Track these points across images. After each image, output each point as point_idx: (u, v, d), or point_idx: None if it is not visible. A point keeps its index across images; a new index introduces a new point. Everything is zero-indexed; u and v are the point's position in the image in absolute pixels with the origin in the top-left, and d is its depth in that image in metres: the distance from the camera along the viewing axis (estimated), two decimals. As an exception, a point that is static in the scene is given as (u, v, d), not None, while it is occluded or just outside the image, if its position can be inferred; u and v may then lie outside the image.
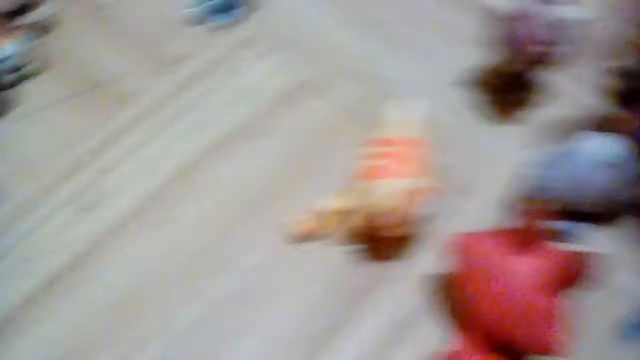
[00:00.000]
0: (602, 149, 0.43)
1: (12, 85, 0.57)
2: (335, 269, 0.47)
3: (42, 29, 0.59)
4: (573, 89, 0.55)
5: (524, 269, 0.38)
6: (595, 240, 0.46)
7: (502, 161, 0.51)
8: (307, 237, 0.47)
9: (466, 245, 0.41)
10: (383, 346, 0.44)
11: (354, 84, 0.56)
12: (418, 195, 0.42)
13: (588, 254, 0.36)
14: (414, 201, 0.42)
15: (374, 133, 0.45)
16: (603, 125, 0.44)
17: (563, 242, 0.45)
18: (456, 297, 0.42)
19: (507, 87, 0.52)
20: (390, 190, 0.41)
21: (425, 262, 0.46)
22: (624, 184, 0.44)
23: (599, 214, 0.46)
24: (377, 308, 0.45)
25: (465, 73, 0.56)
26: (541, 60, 0.47)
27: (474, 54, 0.54)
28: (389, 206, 0.41)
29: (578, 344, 0.44)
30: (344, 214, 0.46)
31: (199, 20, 0.60)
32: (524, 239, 0.38)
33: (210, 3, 0.59)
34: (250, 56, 0.58)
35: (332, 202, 0.46)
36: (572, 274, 0.38)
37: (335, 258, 0.47)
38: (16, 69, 0.56)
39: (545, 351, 0.40)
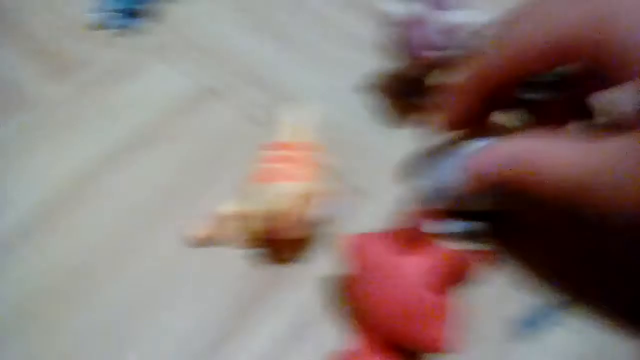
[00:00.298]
0: None
1: None
2: (234, 273, 0.47)
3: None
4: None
5: (414, 268, 0.39)
6: (484, 239, 0.47)
7: (396, 164, 0.52)
8: (206, 241, 0.47)
9: (359, 246, 0.41)
10: (282, 348, 0.44)
11: (257, 89, 0.56)
12: (314, 198, 0.42)
13: (477, 252, 0.37)
14: (310, 204, 0.42)
15: (273, 137, 0.45)
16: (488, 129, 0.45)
17: (452, 241, 0.46)
18: (353, 298, 0.42)
19: (405, 92, 0.53)
20: (284, 193, 0.41)
21: (323, 263, 0.47)
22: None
23: (487, 214, 0.47)
24: (276, 310, 0.46)
25: (364, 78, 0.57)
26: (437, 64, 0.48)
27: (374, 59, 0.55)
28: (283, 209, 0.41)
29: (471, 342, 0.45)
30: (242, 218, 0.46)
31: (102, 26, 0.59)
32: (413, 238, 0.39)
33: (113, 8, 0.58)
34: (152, 62, 0.58)
35: (231, 206, 0.46)
36: (461, 272, 0.38)
37: (235, 262, 0.47)
38: None
39: (436, 349, 0.40)
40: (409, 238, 0.39)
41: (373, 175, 0.51)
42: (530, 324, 0.46)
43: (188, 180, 0.51)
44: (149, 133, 0.53)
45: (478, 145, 0.44)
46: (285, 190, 0.41)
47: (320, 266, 0.46)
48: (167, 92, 0.56)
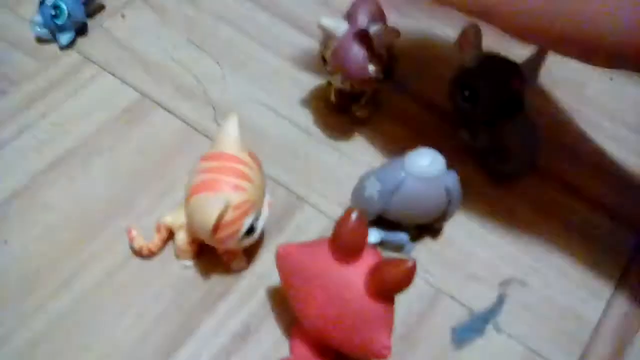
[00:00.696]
0: (424, 163, 0.45)
1: None
2: (178, 285, 0.47)
3: None
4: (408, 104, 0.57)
5: (351, 276, 0.40)
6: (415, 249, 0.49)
7: (337, 175, 0.53)
8: (149, 253, 0.47)
9: (292, 256, 0.42)
10: (226, 357, 0.44)
11: (199, 101, 0.56)
12: (246, 209, 0.42)
13: (411, 262, 0.38)
14: (242, 214, 0.42)
15: (212, 148, 0.45)
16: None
17: (389, 250, 0.47)
18: (293, 307, 0.42)
19: (344, 105, 0.54)
20: (215, 204, 0.41)
21: (269, 273, 0.47)
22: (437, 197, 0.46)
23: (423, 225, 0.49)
24: (221, 321, 0.46)
25: (306, 91, 0.57)
26: (375, 78, 0.49)
27: (314, 73, 0.56)
28: (212, 220, 0.41)
29: (412, 349, 0.46)
30: (179, 229, 0.46)
31: (48, 39, 0.59)
32: (349, 247, 0.39)
33: (59, 22, 0.58)
34: (90, 75, 0.58)
35: (169, 217, 0.46)
36: (400, 280, 0.39)
37: (179, 273, 0.47)
38: None
39: (381, 356, 0.41)
40: (345, 247, 0.39)
41: (312, 184, 0.52)
42: (469, 331, 0.47)
43: (128, 192, 0.51)
44: (93, 144, 0.53)
45: (421, 157, 0.45)
46: (214, 202, 0.41)
47: (266, 276, 0.47)
48: (111, 103, 0.56)
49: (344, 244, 0.39)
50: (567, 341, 0.47)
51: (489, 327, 0.47)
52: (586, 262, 0.50)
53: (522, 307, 0.48)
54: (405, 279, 0.38)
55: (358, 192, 0.47)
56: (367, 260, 0.40)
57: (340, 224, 0.39)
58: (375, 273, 0.39)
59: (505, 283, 0.49)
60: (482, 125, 0.52)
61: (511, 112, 0.50)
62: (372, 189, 0.46)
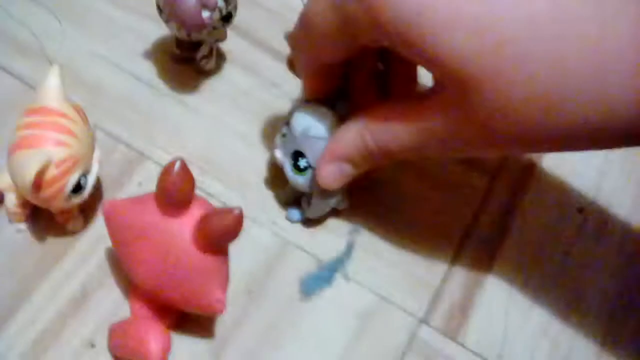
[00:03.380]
0: (304, 121, 0.44)
1: None
2: (5, 250, 0.45)
3: None
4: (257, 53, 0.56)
5: (178, 229, 0.38)
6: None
7: (181, 129, 0.51)
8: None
9: (118, 211, 0.40)
10: (64, 322, 0.43)
11: (31, 58, 0.53)
12: (70, 165, 0.40)
13: (237, 210, 0.36)
14: (66, 171, 0.40)
15: (36, 102, 0.43)
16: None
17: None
18: (124, 265, 0.41)
19: (188, 56, 0.52)
20: (33, 161, 0.38)
21: (98, 234, 0.45)
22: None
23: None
24: (51, 285, 0.44)
25: (147, 44, 0.55)
26: (213, 26, 0.47)
27: (158, 24, 0.53)
28: (32, 178, 0.38)
29: (256, 302, 0.45)
30: (8, 191, 0.44)
31: None
32: (174, 199, 0.38)
33: None
34: None
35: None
36: (230, 231, 0.38)
37: (6, 238, 0.45)
38: None
39: (214, 310, 0.40)
40: (171, 198, 0.38)
41: (154, 140, 0.50)
42: (316, 280, 0.46)
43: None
44: None
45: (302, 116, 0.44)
46: (30, 158, 0.39)
47: (104, 236, 0.44)
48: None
49: (169, 196, 0.38)
50: (417, 287, 0.47)
51: (338, 276, 0.46)
52: (436, 207, 0.50)
53: (372, 255, 0.48)
54: (232, 228, 0.37)
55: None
56: (195, 212, 0.38)
57: (164, 174, 0.38)
58: (201, 224, 0.38)
59: (354, 231, 0.48)
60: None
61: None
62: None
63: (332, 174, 0.42)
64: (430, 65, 0.36)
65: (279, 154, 0.45)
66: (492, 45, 0.33)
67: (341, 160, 0.42)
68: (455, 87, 0.35)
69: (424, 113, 0.38)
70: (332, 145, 0.42)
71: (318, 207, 0.46)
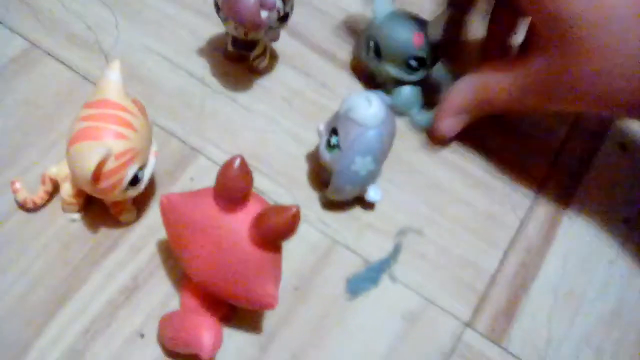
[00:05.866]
0: (351, 102, 0.44)
1: None
2: (59, 240, 0.45)
3: None
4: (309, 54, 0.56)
5: (235, 224, 0.39)
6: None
7: (232, 126, 0.52)
8: (29, 206, 0.45)
9: (176, 205, 0.40)
10: (115, 311, 0.43)
11: (86, 50, 0.54)
12: (129, 158, 0.41)
13: (295, 208, 0.37)
14: (125, 163, 0.41)
15: (96, 95, 0.43)
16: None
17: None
18: (179, 259, 0.41)
19: (242, 54, 0.52)
20: (94, 153, 0.39)
21: (150, 226, 0.46)
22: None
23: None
24: (109, 275, 0.45)
25: (201, 41, 0.56)
26: (269, 24, 0.47)
27: (212, 22, 0.54)
28: (92, 169, 0.39)
29: (304, 299, 0.45)
30: (64, 181, 0.44)
31: None
32: (232, 195, 0.38)
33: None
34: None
35: (53, 169, 0.45)
36: (286, 228, 0.38)
37: (60, 228, 0.46)
38: None
39: (266, 306, 0.40)
40: (230, 194, 0.38)
41: (206, 135, 0.51)
42: (363, 281, 0.47)
43: (18, 143, 0.49)
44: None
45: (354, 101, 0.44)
46: (91, 150, 0.39)
47: (156, 228, 0.45)
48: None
49: (227, 192, 0.38)
50: (463, 290, 0.47)
51: (384, 277, 0.47)
52: (484, 212, 0.50)
53: (419, 257, 0.48)
54: (289, 226, 0.38)
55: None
56: (251, 208, 0.39)
57: (223, 171, 0.38)
58: (259, 220, 0.38)
59: (401, 233, 0.48)
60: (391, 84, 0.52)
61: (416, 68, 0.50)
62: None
63: (451, 126, 0.50)
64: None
65: (322, 127, 0.46)
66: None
67: (460, 112, 0.48)
68: (557, 28, 0.40)
69: (527, 62, 0.44)
70: (450, 100, 0.48)
71: (339, 188, 0.46)
